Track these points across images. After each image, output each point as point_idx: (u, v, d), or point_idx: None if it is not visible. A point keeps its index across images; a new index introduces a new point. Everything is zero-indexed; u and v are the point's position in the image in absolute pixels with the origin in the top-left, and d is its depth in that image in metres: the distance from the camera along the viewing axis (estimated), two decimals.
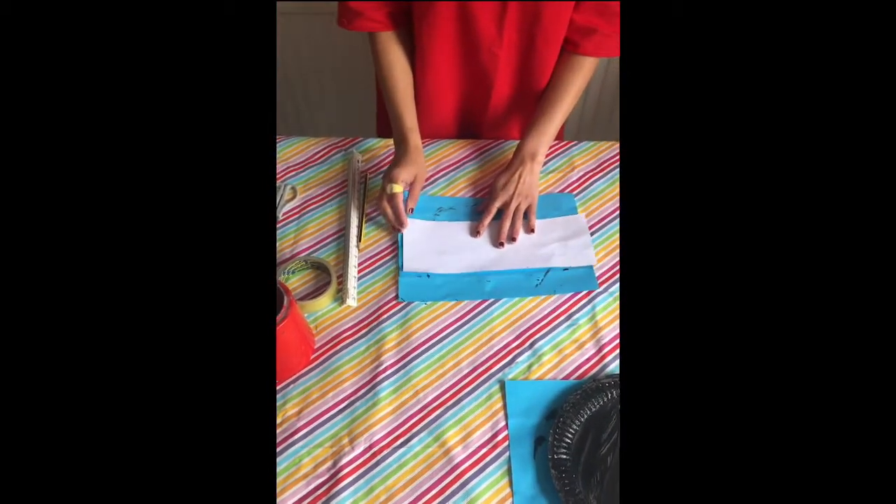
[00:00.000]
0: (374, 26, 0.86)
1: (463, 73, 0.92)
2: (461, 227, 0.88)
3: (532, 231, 0.86)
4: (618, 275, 0.82)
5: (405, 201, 0.85)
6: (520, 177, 0.86)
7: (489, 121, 1.00)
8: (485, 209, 0.87)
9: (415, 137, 0.88)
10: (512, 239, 0.85)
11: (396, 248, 0.85)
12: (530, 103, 0.96)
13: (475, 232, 0.86)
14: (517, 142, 0.97)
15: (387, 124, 1.01)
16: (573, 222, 0.88)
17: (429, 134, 0.99)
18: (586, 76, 0.91)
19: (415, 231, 0.86)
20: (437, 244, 0.85)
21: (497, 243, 0.85)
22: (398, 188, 0.83)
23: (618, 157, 0.96)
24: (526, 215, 0.87)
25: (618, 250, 0.84)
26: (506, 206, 0.86)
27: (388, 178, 0.84)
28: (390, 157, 0.95)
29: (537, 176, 0.88)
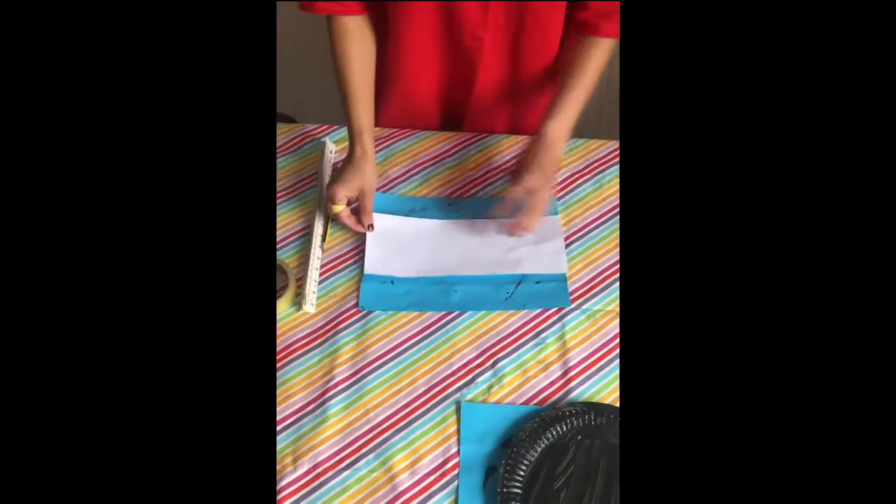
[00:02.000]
0: (337, 8, 0.78)
1: (444, 58, 0.85)
2: (431, 226, 0.83)
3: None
4: (592, 290, 0.77)
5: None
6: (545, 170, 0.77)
7: (473, 109, 0.93)
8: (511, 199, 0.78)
9: (364, 141, 0.80)
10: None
11: (362, 250, 0.80)
12: (520, 91, 0.89)
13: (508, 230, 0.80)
14: (501, 136, 0.91)
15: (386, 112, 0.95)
16: (547, 223, 0.82)
17: (407, 123, 0.93)
18: (605, 57, 0.80)
19: (380, 229, 0.81)
20: (402, 242, 0.81)
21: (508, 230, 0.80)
22: (339, 208, 0.79)
23: (608, 157, 0.89)
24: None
25: (595, 264, 0.79)
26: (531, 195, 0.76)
27: (329, 196, 0.79)
28: None
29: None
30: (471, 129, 0.94)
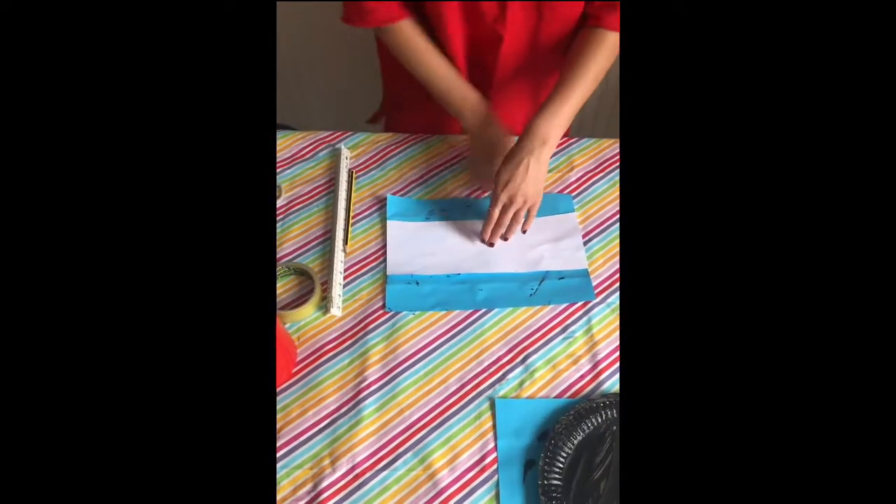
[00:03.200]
0: (393, 14, 0.80)
1: (469, 52, 0.86)
2: (450, 227, 0.84)
3: (524, 232, 0.81)
4: (616, 284, 0.78)
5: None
6: (526, 170, 0.76)
7: (498, 78, 0.91)
8: (489, 212, 0.80)
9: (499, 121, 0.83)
10: (504, 238, 0.81)
11: (384, 252, 0.81)
12: (540, 62, 0.89)
13: (481, 238, 0.82)
14: (514, 137, 0.92)
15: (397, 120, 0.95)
16: (564, 221, 0.84)
17: (433, 123, 0.93)
18: (610, 54, 0.81)
19: (400, 234, 0.82)
20: (423, 246, 0.81)
21: (488, 242, 0.81)
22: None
23: (619, 155, 0.91)
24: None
25: (616, 258, 0.80)
26: (506, 205, 0.78)
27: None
28: (381, 154, 0.91)
29: (545, 167, 0.78)
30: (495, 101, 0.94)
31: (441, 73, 0.83)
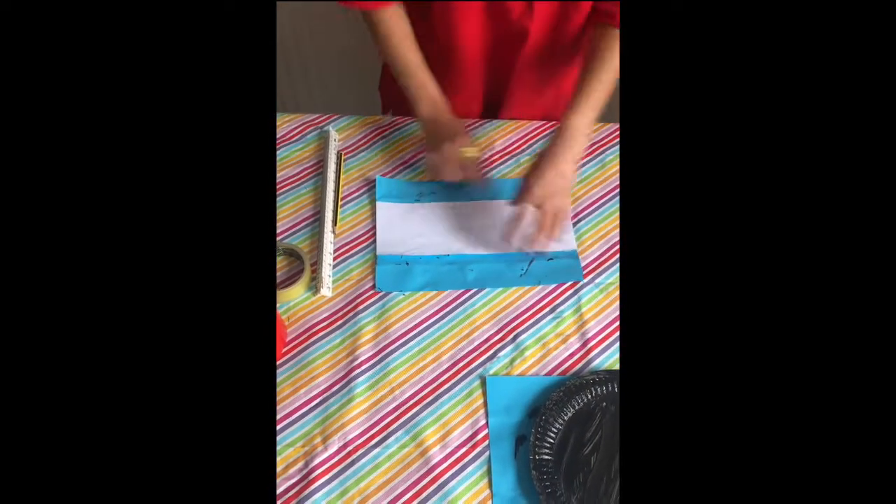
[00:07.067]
0: (378, 5, 0.80)
1: (491, 33, 0.85)
2: (440, 209, 0.84)
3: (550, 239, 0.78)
4: (604, 265, 0.79)
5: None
6: (562, 178, 0.77)
7: (516, 87, 0.93)
8: (518, 212, 0.77)
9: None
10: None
11: (374, 233, 0.81)
12: (559, 54, 0.89)
13: (506, 239, 0.79)
14: (505, 121, 0.93)
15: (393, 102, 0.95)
16: None
17: (461, 103, 0.91)
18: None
19: (390, 215, 0.82)
20: (413, 227, 0.82)
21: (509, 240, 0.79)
22: (476, 151, 0.83)
23: (608, 138, 0.92)
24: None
25: (604, 239, 0.81)
26: (539, 208, 0.76)
27: (463, 142, 0.81)
28: (369, 136, 0.91)
29: (575, 176, 0.80)
30: (510, 115, 0.95)
31: (409, 57, 0.83)
